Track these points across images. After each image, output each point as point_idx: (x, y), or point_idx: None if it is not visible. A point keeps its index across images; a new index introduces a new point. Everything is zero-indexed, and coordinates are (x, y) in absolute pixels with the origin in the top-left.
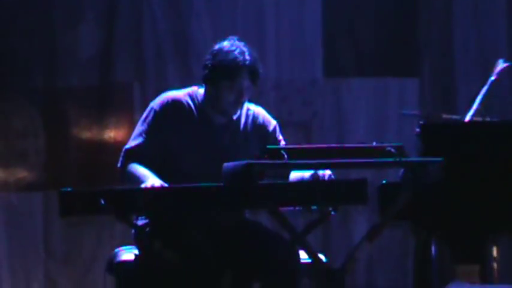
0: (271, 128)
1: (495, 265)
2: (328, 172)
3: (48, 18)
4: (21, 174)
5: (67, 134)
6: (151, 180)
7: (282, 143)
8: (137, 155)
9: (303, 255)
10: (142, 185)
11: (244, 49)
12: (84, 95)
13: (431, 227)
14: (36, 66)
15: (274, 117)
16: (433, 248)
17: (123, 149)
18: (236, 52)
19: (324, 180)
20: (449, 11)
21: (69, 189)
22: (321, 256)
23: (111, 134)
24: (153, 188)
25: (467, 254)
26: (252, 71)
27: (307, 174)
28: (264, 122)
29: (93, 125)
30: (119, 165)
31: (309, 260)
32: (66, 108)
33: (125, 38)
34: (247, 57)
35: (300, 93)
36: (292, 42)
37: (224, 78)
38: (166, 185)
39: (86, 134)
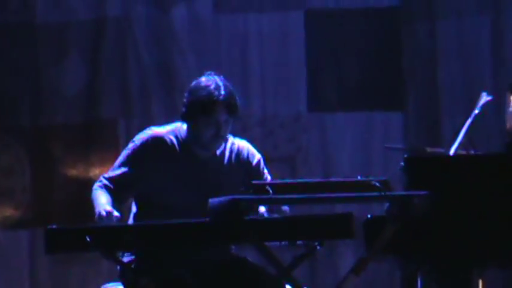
0: (255, 161)
1: None
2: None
3: (33, 56)
4: (8, 211)
5: (53, 171)
6: (100, 208)
7: (267, 176)
8: (110, 183)
9: None
10: (96, 215)
11: (220, 83)
12: (69, 132)
13: (418, 260)
14: (22, 104)
15: (259, 152)
16: (419, 282)
17: (100, 178)
18: (211, 87)
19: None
20: (434, 44)
21: (55, 226)
22: None
23: (97, 170)
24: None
25: (453, 286)
26: (228, 104)
27: None
28: (248, 156)
29: (79, 162)
30: (94, 186)
31: None
32: (51, 145)
33: (109, 74)
34: (222, 92)
35: (285, 128)
36: (276, 78)
37: (201, 114)
38: (116, 213)
39: (72, 171)
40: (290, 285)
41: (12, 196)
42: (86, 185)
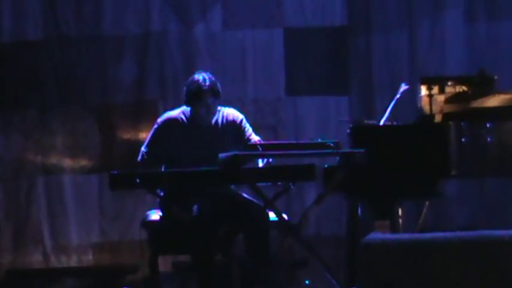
0: (238, 121)
1: (400, 220)
2: None
3: (101, 58)
4: (84, 162)
5: (114, 135)
6: None
7: (249, 129)
8: (146, 154)
9: (272, 215)
10: None
11: (206, 77)
12: (124, 109)
13: (358, 195)
14: (93, 90)
15: (243, 113)
16: (359, 209)
17: (141, 149)
18: (200, 81)
19: None
20: (369, 51)
21: (115, 172)
22: (285, 216)
23: (143, 135)
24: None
25: (381, 213)
26: (212, 90)
27: None
28: (233, 118)
29: (131, 129)
30: (138, 159)
31: (276, 219)
32: (113, 118)
33: (152, 69)
34: (207, 83)
35: (270, 106)
36: (264, 73)
37: (194, 101)
38: None
39: (127, 135)
40: (273, 212)
41: (87, 151)
42: (136, 144)
